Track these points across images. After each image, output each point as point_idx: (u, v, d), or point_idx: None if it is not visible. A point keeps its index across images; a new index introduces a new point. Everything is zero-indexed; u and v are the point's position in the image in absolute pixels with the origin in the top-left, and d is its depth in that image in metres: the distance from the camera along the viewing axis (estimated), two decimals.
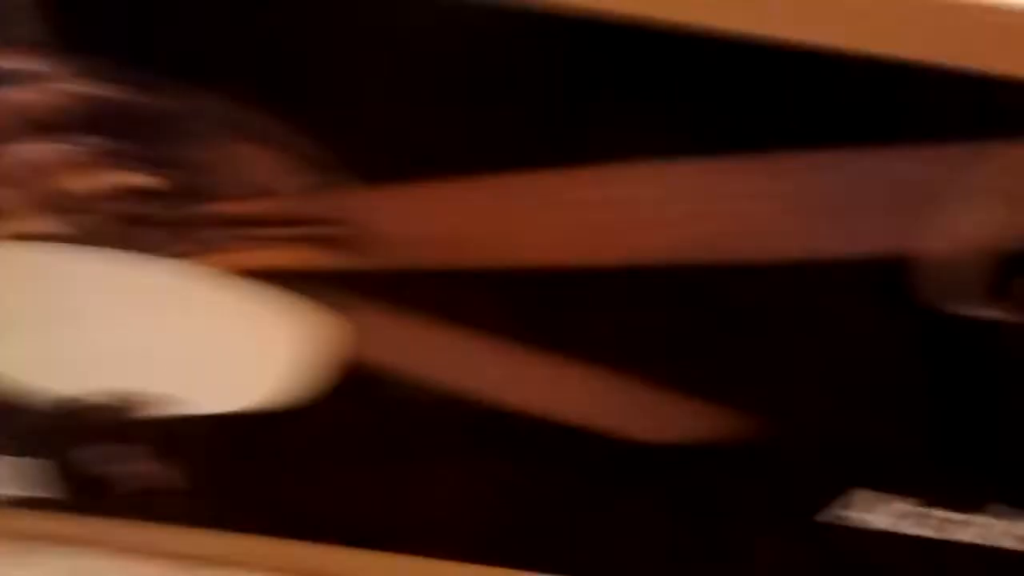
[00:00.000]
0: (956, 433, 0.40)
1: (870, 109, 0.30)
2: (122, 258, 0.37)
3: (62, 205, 0.35)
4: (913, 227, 0.32)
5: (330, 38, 0.30)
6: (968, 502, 0.42)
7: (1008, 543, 0.42)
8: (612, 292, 0.36)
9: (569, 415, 0.42)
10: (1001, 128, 0.30)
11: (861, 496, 0.42)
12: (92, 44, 0.30)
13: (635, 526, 0.48)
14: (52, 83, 0.31)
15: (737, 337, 0.38)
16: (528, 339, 0.39)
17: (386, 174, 0.34)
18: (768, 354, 0.37)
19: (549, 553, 0.50)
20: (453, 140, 0.33)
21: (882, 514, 0.43)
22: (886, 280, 0.34)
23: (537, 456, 0.47)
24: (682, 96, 0.30)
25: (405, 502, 0.50)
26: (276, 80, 0.32)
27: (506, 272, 0.37)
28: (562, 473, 0.48)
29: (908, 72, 0.29)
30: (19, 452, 0.49)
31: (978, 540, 0.42)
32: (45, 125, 0.32)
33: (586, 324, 0.38)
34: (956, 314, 0.34)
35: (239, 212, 0.35)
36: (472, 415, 0.44)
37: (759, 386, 0.38)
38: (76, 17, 0.30)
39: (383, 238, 0.36)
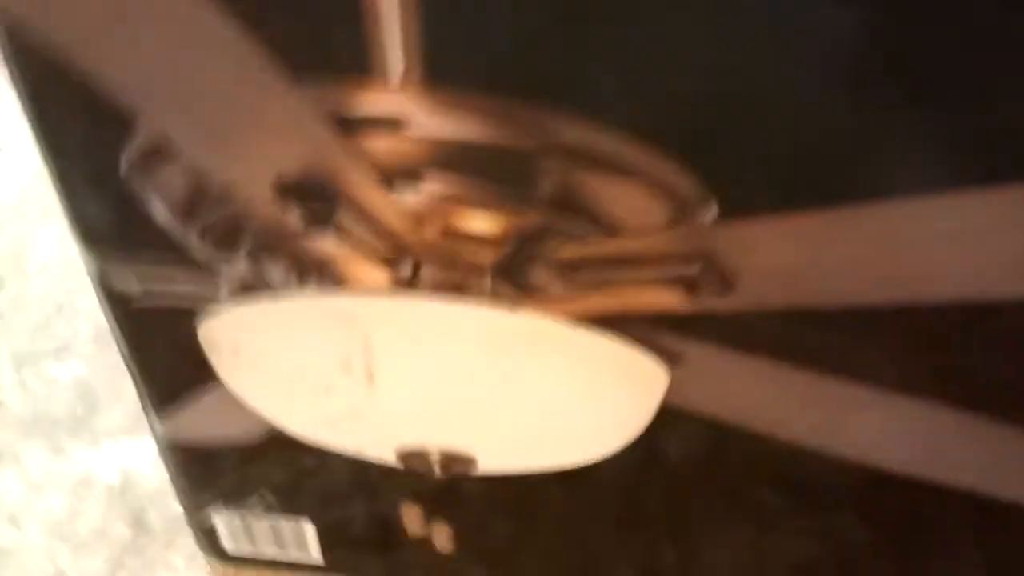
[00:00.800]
0: None
1: None
2: (450, 308, 0.35)
3: (401, 253, 0.33)
4: None
5: None
6: None
7: None
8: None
9: (943, 474, 0.37)
10: None
11: None
12: (454, 76, 0.28)
13: None
14: (411, 126, 0.29)
15: None
16: (903, 385, 0.34)
17: (752, 206, 0.31)
18: None
19: None
20: (828, 166, 0.30)
21: None
22: None
23: (872, 518, 0.42)
24: None
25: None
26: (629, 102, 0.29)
27: (873, 309, 0.33)
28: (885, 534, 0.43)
29: None
30: (291, 511, 0.48)
31: None
32: (399, 171, 0.31)
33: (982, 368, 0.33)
34: None
35: (592, 254, 0.32)
36: (791, 471, 0.40)
37: None
38: (442, 49, 0.28)
39: (742, 275, 0.32)
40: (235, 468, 0.45)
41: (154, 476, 0.58)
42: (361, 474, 0.44)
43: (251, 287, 0.35)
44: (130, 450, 0.60)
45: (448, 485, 0.44)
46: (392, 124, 0.29)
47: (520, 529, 0.47)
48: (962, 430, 0.35)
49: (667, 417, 0.38)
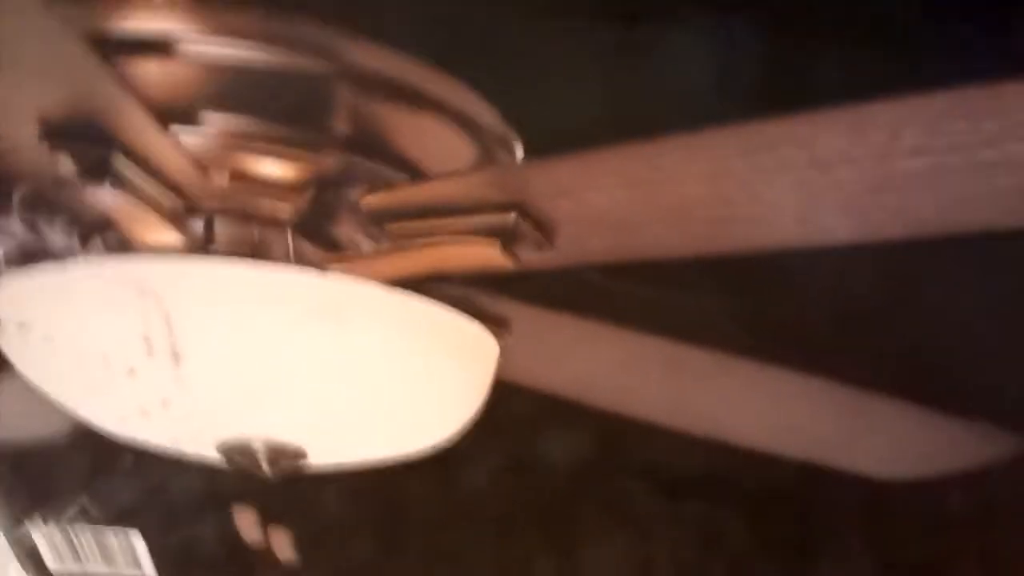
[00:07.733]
0: None
1: None
2: (251, 272, 0.31)
3: (191, 207, 0.30)
4: None
5: None
6: None
7: None
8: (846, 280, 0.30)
9: (782, 444, 0.35)
10: None
11: None
12: None
13: None
14: (181, 48, 0.26)
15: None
16: (748, 348, 0.32)
17: (562, 142, 0.28)
18: None
19: None
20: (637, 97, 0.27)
21: None
22: None
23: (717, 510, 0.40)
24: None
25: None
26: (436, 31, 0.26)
27: (705, 262, 0.30)
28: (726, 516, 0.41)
29: None
30: (115, 522, 0.44)
31: None
32: (175, 106, 0.28)
33: (815, 328, 0.31)
34: None
35: (400, 202, 0.29)
36: (663, 464, 0.38)
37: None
38: None
39: (560, 225, 0.30)
40: (45, 472, 0.41)
41: None
42: (188, 476, 0.41)
43: (32, 253, 0.32)
44: None
45: (290, 488, 0.40)
46: (159, 46, 0.26)
47: (381, 540, 0.44)
48: (811, 397, 0.33)
49: (538, 414, 0.36)
